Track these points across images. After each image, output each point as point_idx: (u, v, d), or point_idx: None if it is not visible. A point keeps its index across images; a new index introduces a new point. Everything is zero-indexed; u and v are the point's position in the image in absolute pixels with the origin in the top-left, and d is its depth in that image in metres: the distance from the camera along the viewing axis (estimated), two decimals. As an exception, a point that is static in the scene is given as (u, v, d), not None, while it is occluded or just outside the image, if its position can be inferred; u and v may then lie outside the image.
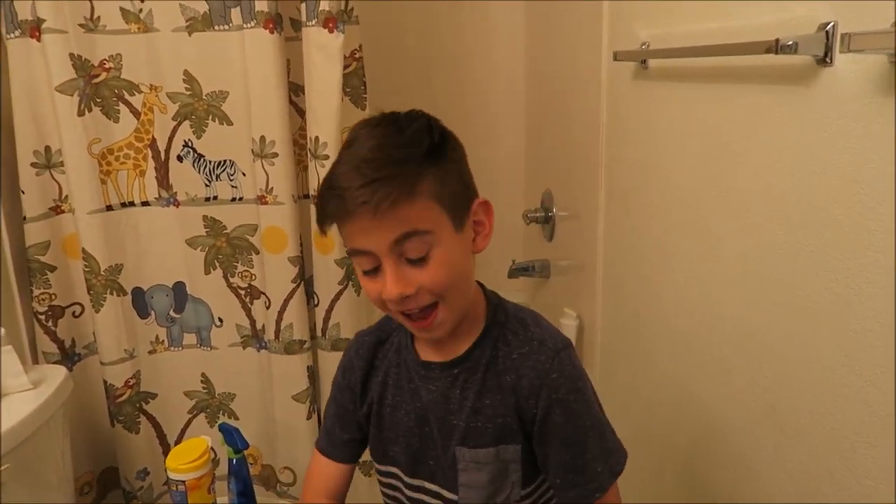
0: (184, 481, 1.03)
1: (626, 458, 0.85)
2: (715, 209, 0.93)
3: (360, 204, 0.70)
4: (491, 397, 0.83)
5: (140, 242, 1.65)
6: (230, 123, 1.58)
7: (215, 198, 1.64)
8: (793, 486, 0.80)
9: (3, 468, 1.16)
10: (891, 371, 0.63)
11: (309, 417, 1.68)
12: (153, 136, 1.60)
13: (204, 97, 1.57)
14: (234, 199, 1.64)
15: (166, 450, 1.75)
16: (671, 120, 1.05)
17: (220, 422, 1.60)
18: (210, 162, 1.61)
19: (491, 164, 1.92)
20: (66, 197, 1.58)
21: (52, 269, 1.60)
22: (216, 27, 1.52)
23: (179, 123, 1.59)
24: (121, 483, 1.74)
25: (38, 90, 1.51)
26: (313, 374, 1.70)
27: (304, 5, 1.45)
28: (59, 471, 1.37)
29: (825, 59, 0.68)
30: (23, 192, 1.54)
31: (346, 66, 1.49)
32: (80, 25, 1.49)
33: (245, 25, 1.48)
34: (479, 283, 0.88)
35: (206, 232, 1.66)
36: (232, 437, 1.05)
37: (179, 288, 1.70)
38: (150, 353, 1.71)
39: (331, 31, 1.43)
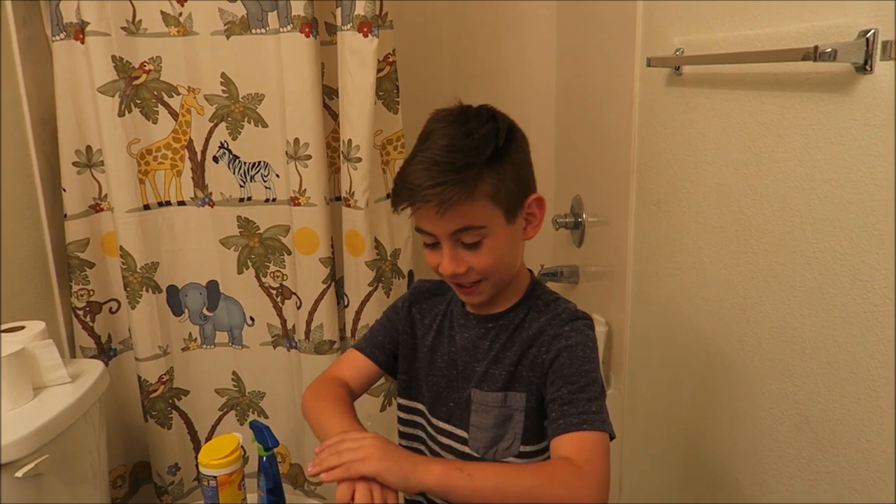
0: (215, 476, 1.04)
1: (614, 438, 0.86)
2: (749, 217, 0.93)
3: (426, 201, 0.85)
4: (512, 350, 0.95)
5: (175, 241, 1.68)
6: (265, 126, 1.60)
7: (249, 198, 1.66)
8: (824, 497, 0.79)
9: (41, 459, 1.19)
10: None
11: (337, 417, 1.69)
12: (190, 137, 1.63)
13: (240, 99, 1.59)
14: (267, 200, 1.66)
15: (197, 446, 1.78)
16: (705, 127, 1.04)
17: (249, 419, 1.61)
18: (245, 163, 1.64)
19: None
20: (106, 196, 1.63)
21: (91, 265, 1.64)
22: (253, 31, 1.55)
23: (216, 125, 1.62)
24: (152, 477, 1.77)
25: (80, 91, 1.56)
26: (342, 374, 1.71)
27: (339, 9, 1.47)
28: (95, 464, 1.40)
29: (865, 67, 0.68)
30: (64, 190, 1.58)
31: (379, 70, 1.50)
32: (122, 28, 1.53)
33: (282, 29, 1.50)
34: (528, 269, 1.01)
35: (240, 232, 1.68)
36: (262, 434, 1.06)
37: (213, 287, 1.73)
38: (183, 350, 1.74)
39: (365, 36, 1.45)
